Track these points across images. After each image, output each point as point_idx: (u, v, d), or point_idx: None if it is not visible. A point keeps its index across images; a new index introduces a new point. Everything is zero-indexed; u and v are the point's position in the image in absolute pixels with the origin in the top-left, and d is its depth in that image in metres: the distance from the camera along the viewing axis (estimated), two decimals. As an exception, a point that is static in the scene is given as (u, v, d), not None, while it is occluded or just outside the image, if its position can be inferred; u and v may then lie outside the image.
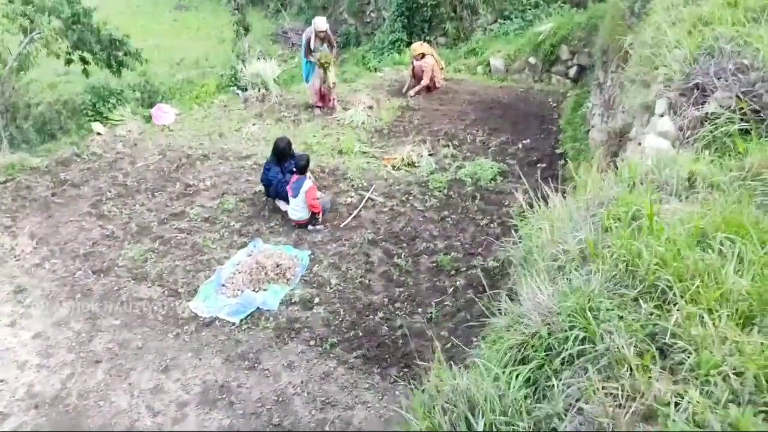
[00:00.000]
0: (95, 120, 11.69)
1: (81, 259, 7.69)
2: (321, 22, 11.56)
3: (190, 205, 8.91)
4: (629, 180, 3.50)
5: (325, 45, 11.75)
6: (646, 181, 3.41)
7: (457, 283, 7.01)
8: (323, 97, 12.09)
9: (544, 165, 9.55)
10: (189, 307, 6.79)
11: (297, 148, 10.34)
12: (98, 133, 11.45)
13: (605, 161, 6.58)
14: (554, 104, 11.99)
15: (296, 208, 8.15)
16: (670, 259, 2.73)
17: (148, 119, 11.96)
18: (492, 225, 8.14)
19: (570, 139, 10.16)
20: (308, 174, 8.31)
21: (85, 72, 12.13)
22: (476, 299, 6.65)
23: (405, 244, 7.86)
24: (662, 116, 4.80)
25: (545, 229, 3.58)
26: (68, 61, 12.14)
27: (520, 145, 10.30)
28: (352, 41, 18.66)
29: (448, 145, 10.40)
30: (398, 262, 7.45)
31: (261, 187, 9.06)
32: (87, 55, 11.93)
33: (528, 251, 3.76)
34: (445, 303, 6.74)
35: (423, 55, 12.54)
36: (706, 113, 4.33)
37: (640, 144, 5.23)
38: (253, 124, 11.66)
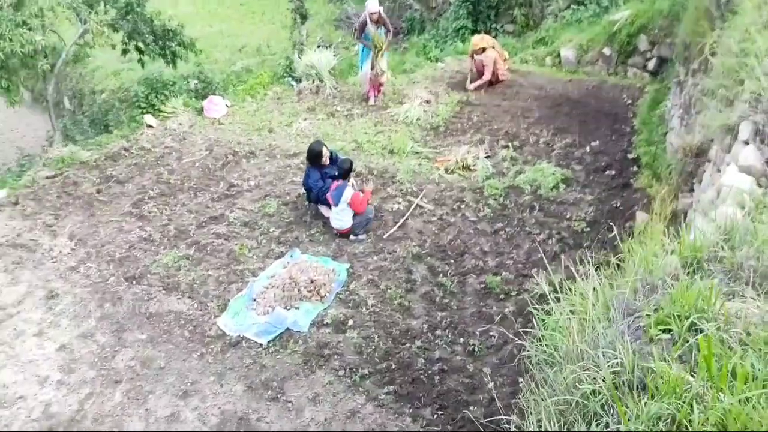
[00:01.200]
0: (147, 112, 11.51)
1: (116, 263, 7.44)
2: (373, 4, 10.96)
3: (231, 207, 8.54)
4: (692, 258, 2.70)
5: (381, 29, 11.16)
6: (713, 261, 2.63)
7: (506, 309, 6.35)
8: (375, 86, 11.56)
9: (613, 172, 8.69)
10: (217, 324, 6.40)
11: (347, 146, 9.88)
12: (149, 126, 11.27)
13: (678, 180, 5.76)
14: (629, 101, 10.99)
15: (337, 217, 7.65)
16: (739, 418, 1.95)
17: (200, 111, 11.70)
18: (550, 241, 7.40)
19: (645, 143, 9.22)
20: (351, 181, 7.76)
21: (141, 62, 11.97)
22: (524, 332, 6.00)
23: (452, 260, 7.24)
24: (746, 144, 3.99)
25: (572, 329, 2.76)
26: (124, 51, 12.01)
27: (587, 148, 9.43)
28: (417, 28, 17.88)
29: (508, 146, 9.65)
30: (443, 282, 6.84)
31: (304, 190, 8.62)
32: (141, 45, 11.76)
33: (549, 356, 2.99)
34: (491, 333, 6.09)
35: (484, 49, 11.76)
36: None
37: (719, 171, 4.43)
38: (304, 119, 11.21)
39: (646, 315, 2.33)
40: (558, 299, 3.15)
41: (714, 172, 4.58)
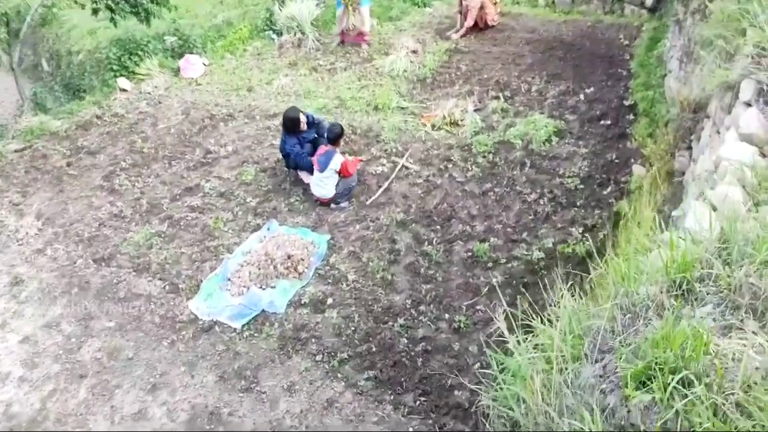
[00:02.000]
0: (121, 75, 10.93)
1: (84, 244, 7.06)
2: None
3: (207, 176, 8.10)
4: (679, 276, 2.19)
5: None
6: (707, 280, 2.15)
7: (494, 280, 5.96)
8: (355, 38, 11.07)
9: (608, 122, 8.17)
10: (189, 307, 6.06)
11: (330, 104, 9.38)
12: (123, 90, 10.75)
13: (675, 136, 5.28)
14: (626, 42, 10.34)
15: (320, 183, 7.21)
16: None
17: (177, 72, 11.14)
18: (542, 201, 6.96)
19: (642, 87, 8.66)
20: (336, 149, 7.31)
21: (114, 21, 11.31)
22: (516, 302, 5.64)
23: (438, 226, 6.83)
24: (748, 105, 3.50)
25: (535, 381, 2.22)
26: (95, 11, 11.32)
27: (582, 96, 8.88)
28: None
29: (499, 97, 9.10)
30: (428, 251, 6.45)
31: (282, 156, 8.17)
32: (111, 4, 11.08)
33: (509, 409, 2.46)
34: (477, 307, 5.72)
35: (470, -8, 11.06)
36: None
37: (719, 133, 3.95)
38: (285, 75, 10.64)
39: (623, 363, 1.90)
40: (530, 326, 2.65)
41: (713, 133, 4.09)
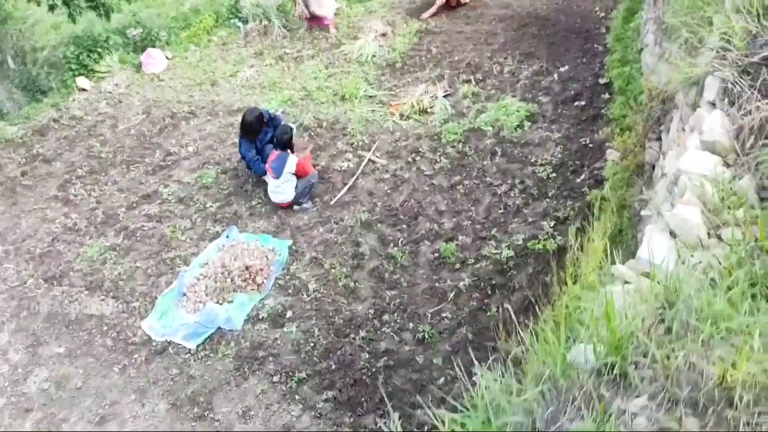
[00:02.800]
0: (80, 74, 10.50)
1: (36, 261, 6.74)
2: None
3: (166, 180, 7.75)
4: (611, 359, 1.79)
5: None
6: (643, 365, 1.78)
7: (461, 283, 5.65)
8: (314, 18, 10.67)
9: (583, 102, 7.79)
10: (142, 327, 5.75)
11: (295, 95, 8.99)
12: (83, 90, 10.33)
13: (645, 127, 4.92)
14: (602, 14, 9.90)
15: (278, 190, 6.87)
16: None
17: (139, 67, 10.70)
18: (512, 193, 6.62)
19: (618, 63, 8.22)
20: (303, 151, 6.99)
21: (72, 17, 10.85)
22: (483, 308, 5.36)
23: (405, 225, 6.50)
24: (713, 106, 3.15)
25: None
26: (51, 7, 10.85)
27: (555, 75, 8.48)
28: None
29: (470, 80, 8.70)
30: (393, 253, 6.12)
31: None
32: (66, -1, 10.61)
33: None
34: (443, 314, 5.42)
35: (440, -33, 10.59)
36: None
37: (684, 131, 3.60)
38: (251, 66, 10.22)
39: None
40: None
41: (680, 129, 3.74)
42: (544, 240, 5.86)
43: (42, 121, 9.55)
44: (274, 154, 6.91)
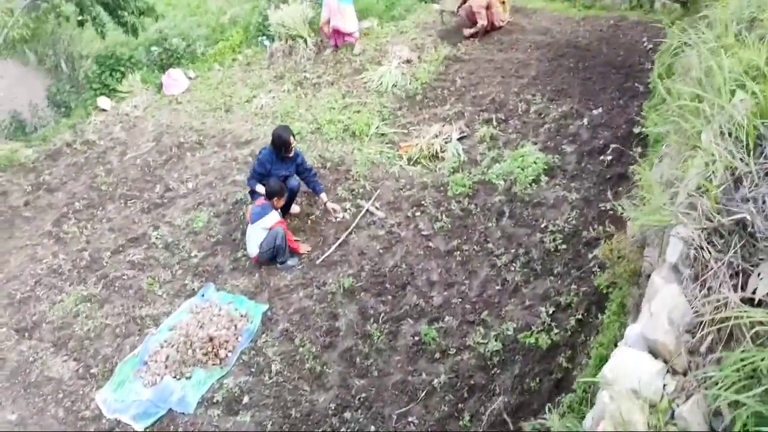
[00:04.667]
0: (101, 94, 10.33)
1: (13, 308, 6.56)
2: None
3: (159, 221, 7.43)
4: None
5: None
6: None
7: (437, 379, 5.02)
8: (338, 33, 10.15)
9: (610, 157, 6.93)
10: (96, 399, 5.41)
11: (306, 128, 8.53)
12: (103, 110, 10.17)
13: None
14: (650, 46, 8.91)
15: (249, 239, 6.42)
16: None
17: (160, 88, 10.46)
18: (513, 266, 5.90)
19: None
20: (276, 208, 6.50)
21: (101, 33, 10.71)
22: (455, 415, 4.74)
23: (390, 296, 5.91)
24: (676, 272, 2.44)
25: None
26: (80, 23, 10.75)
27: (586, 119, 7.63)
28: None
29: (491, 120, 7.96)
30: (371, 331, 5.55)
31: (242, 195, 7.41)
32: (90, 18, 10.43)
33: None
34: (410, 418, 4.81)
35: (473, -8, 9.82)
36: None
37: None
38: (269, 92, 9.79)
39: None
40: None
41: (654, 268, 3.00)
42: (538, 332, 5.15)
43: (56, 144, 9.46)
44: (260, 200, 6.44)
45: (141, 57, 11.01)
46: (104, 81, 10.40)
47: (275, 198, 6.39)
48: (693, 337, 2.20)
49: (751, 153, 2.52)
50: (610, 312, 4.83)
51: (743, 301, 2.15)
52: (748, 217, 2.24)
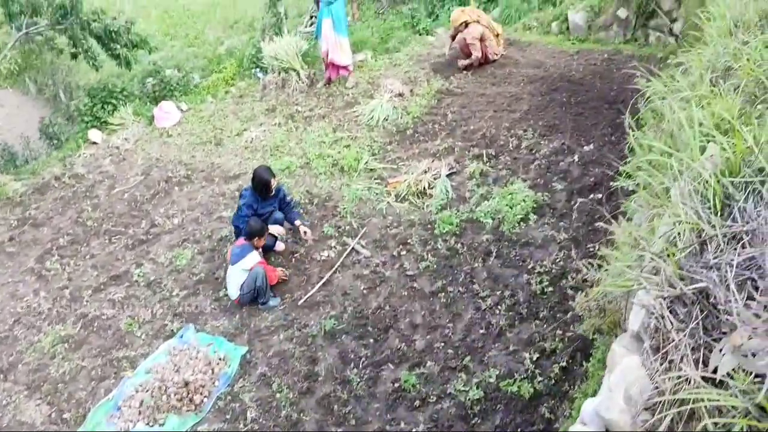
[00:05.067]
0: (93, 126, 10.31)
1: (-10, 349, 6.40)
2: None
3: (142, 258, 7.32)
4: None
5: None
6: None
7: (415, 429, 4.85)
8: (334, 66, 10.12)
9: (600, 195, 6.81)
10: (66, 447, 5.25)
11: (295, 163, 8.43)
12: (94, 143, 10.13)
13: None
14: (645, 80, 8.82)
15: (230, 281, 6.30)
16: None
17: (151, 120, 10.42)
18: (498, 309, 5.74)
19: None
20: (257, 247, 6.40)
21: (94, 66, 10.74)
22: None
23: (372, 339, 5.75)
24: (638, 341, 2.31)
25: None
26: (73, 56, 10.78)
27: (577, 156, 7.52)
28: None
29: (481, 156, 7.87)
30: (351, 377, 5.38)
31: (228, 232, 7.31)
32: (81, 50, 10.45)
33: None
34: (384, 474, 4.63)
35: (467, 24, 9.79)
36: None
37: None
38: (260, 125, 9.74)
39: None
40: None
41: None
42: (521, 380, 4.98)
43: (45, 177, 9.41)
44: (241, 240, 6.33)
45: (134, 89, 11.00)
46: (95, 114, 10.38)
47: (256, 238, 6.29)
48: (652, 416, 2.05)
49: (718, 214, 2.40)
50: (595, 360, 4.71)
51: (705, 379, 2.00)
52: (710, 287, 2.11)
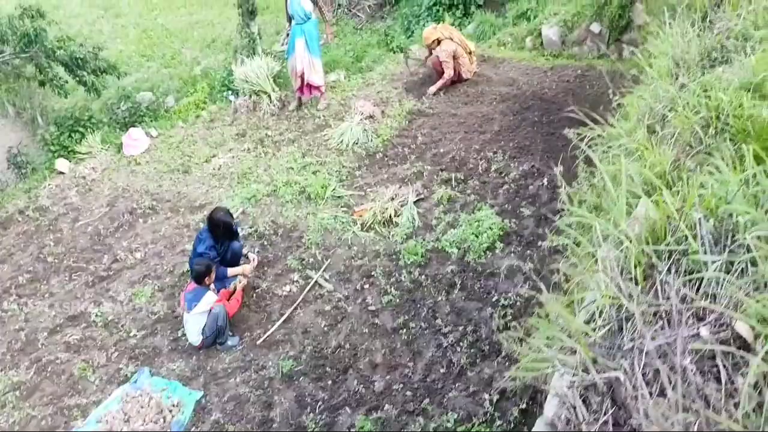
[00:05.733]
0: (60, 156, 10.12)
1: (-60, 398, 6.16)
2: None
3: (101, 296, 7.11)
4: None
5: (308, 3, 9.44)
6: None
7: (366, 483, 4.63)
8: (308, 86, 9.94)
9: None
10: (9, 506, 5.03)
11: (261, 191, 8.23)
12: (61, 173, 9.93)
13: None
14: (616, 98, 8.65)
15: (189, 329, 6.08)
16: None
17: (120, 148, 10.22)
18: (460, 345, 5.54)
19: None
20: (211, 285, 6.19)
21: (61, 93, 10.56)
22: None
23: (330, 381, 5.54)
24: (551, 424, 2.11)
25: None
26: (41, 83, 10.60)
27: (546, 179, 7.34)
28: (402, -3, 15.41)
29: (450, 181, 7.69)
30: (306, 423, 5.16)
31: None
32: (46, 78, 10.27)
33: None
34: None
35: (439, 42, 9.62)
36: None
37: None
38: (229, 150, 9.55)
39: None
40: None
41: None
42: (480, 424, 4.78)
43: (9, 210, 9.19)
44: (191, 285, 6.13)
45: (102, 117, 10.81)
46: (62, 142, 10.19)
47: (205, 278, 6.08)
48: None
49: (640, 287, 2.20)
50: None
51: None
52: (621, 377, 1.91)
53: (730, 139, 2.88)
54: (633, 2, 9.24)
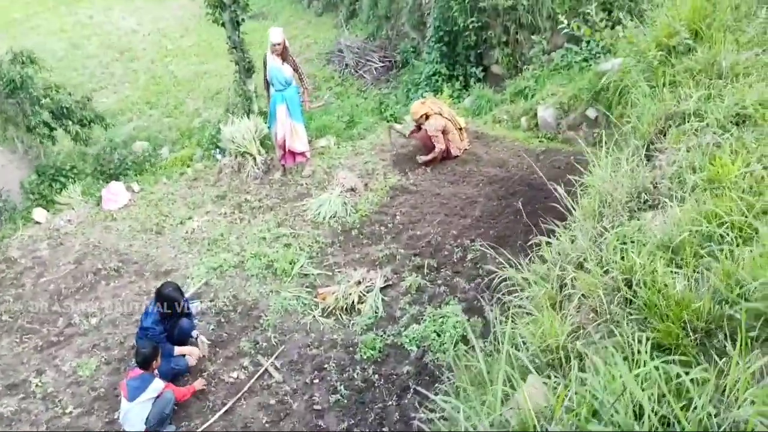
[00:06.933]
0: (39, 205, 9.96)
1: None
2: (275, 33, 9.16)
3: (47, 364, 6.82)
4: None
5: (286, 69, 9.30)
6: None
7: None
8: (291, 153, 9.75)
9: (535, 325, 6.22)
10: None
11: (228, 261, 7.95)
12: (37, 222, 9.74)
13: None
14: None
15: (131, 419, 5.67)
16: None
17: (99, 201, 10.04)
18: (402, 463, 5.13)
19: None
20: (154, 371, 5.84)
21: (46, 141, 10.48)
22: None
23: (261, 490, 5.13)
24: None
25: None
26: (29, 129, 10.55)
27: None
28: (411, 61, 15.44)
29: (422, 267, 7.36)
30: None
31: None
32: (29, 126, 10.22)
33: None
34: None
35: (427, 116, 9.41)
36: None
37: None
38: (206, 213, 9.33)
39: None
40: None
41: None
42: None
43: (-22, 260, 8.96)
44: (135, 371, 5.77)
45: (86, 167, 10.68)
46: (42, 191, 10.03)
47: (152, 363, 5.75)
48: None
49: None
50: None
51: None
52: None
53: (637, 313, 2.58)
54: (629, 91, 8.99)
